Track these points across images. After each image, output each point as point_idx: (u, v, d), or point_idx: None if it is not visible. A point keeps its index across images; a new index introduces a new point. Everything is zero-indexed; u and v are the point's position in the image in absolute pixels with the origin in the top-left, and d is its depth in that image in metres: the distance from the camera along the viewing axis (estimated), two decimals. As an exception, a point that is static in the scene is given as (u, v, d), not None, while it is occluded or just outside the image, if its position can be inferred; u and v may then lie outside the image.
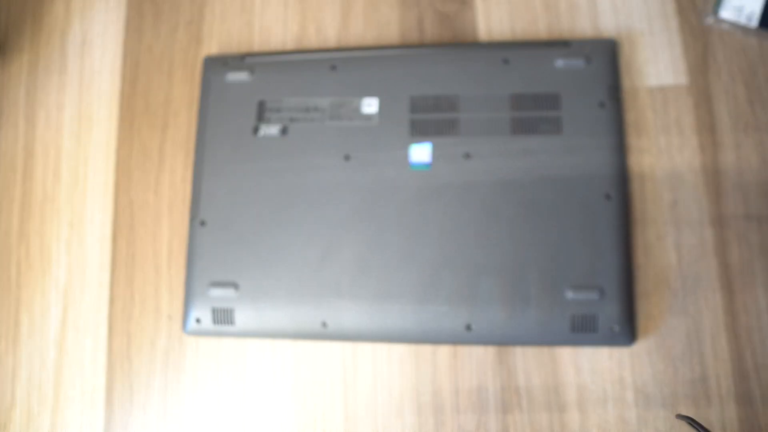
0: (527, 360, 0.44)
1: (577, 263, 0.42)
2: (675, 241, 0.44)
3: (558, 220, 0.43)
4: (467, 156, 0.44)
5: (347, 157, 0.45)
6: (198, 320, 0.45)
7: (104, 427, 0.46)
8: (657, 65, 0.47)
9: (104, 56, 0.52)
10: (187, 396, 0.46)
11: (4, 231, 0.50)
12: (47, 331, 0.48)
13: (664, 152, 0.45)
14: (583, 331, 0.41)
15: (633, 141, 0.45)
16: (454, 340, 0.42)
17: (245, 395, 0.45)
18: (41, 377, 0.47)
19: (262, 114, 0.47)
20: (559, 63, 0.45)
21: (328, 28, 0.51)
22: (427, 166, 0.45)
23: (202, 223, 0.46)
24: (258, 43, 0.51)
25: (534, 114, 0.45)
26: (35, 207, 0.50)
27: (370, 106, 0.46)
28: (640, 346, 0.43)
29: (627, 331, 0.41)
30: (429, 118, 0.45)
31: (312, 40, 0.51)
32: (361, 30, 0.50)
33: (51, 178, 0.51)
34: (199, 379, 0.46)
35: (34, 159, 0.51)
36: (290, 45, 0.51)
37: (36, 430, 0.47)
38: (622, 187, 0.43)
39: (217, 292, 0.44)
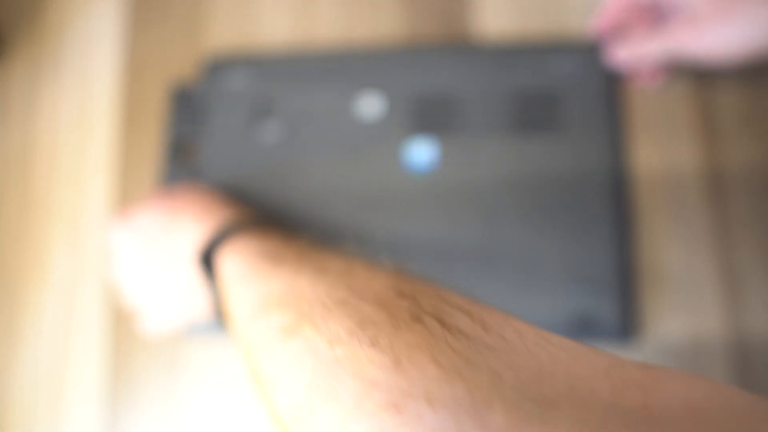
0: (527, 360, 0.43)
1: (577, 263, 0.42)
2: (675, 241, 0.44)
3: (558, 219, 0.43)
4: (467, 156, 0.44)
5: (347, 158, 0.45)
6: (198, 320, 0.45)
7: (104, 427, 0.46)
8: (657, 65, 0.47)
9: (104, 56, 0.52)
10: (187, 396, 0.46)
11: (4, 231, 0.50)
12: (47, 331, 0.48)
13: (665, 152, 0.45)
14: (582, 330, 0.41)
15: (633, 141, 0.45)
16: (454, 340, 0.42)
17: (246, 395, 0.45)
18: (41, 377, 0.47)
19: (262, 114, 0.47)
20: (560, 63, 0.45)
21: (328, 28, 0.51)
22: (428, 166, 0.45)
23: (202, 223, 0.46)
24: (258, 43, 0.51)
25: (534, 114, 0.45)
26: (35, 207, 0.50)
27: (371, 106, 0.46)
28: (640, 346, 0.43)
29: (627, 330, 0.41)
30: (429, 118, 0.45)
31: (312, 40, 0.50)
32: (362, 30, 0.50)
33: (51, 178, 0.51)
34: (200, 379, 0.46)
35: (34, 159, 0.51)
36: (290, 45, 0.51)
37: (36, 430, 0.47)
38: (622, 187, 0.43)
39: (217, 292, 0.44)
